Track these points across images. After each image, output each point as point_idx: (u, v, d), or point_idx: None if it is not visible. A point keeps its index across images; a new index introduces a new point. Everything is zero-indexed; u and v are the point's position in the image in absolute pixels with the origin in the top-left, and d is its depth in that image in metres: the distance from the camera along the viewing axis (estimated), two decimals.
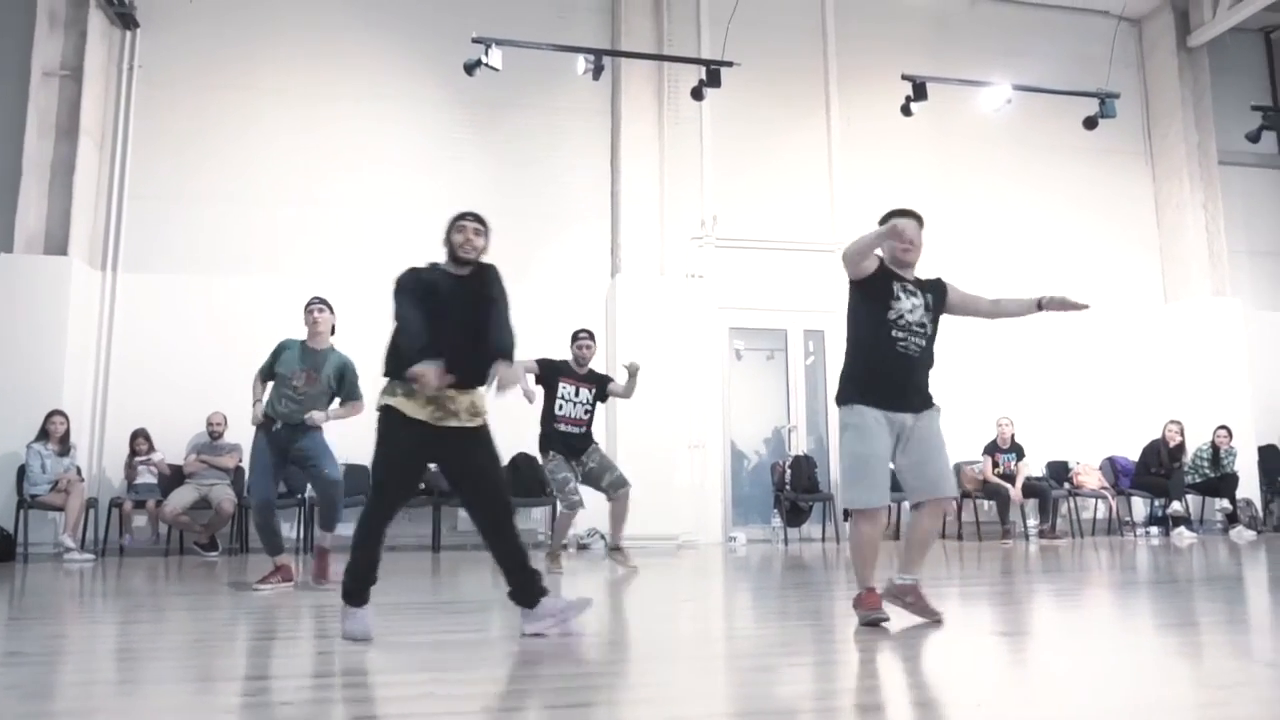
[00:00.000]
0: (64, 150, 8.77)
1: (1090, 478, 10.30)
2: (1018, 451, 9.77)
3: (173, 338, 8.85)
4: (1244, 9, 10.68)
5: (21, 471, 7.95)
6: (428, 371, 3.54)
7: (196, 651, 3.75)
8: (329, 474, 5.69)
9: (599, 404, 6.89)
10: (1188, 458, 10.20)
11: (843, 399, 4.18)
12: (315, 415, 5.60)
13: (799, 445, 10.16)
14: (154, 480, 8.34)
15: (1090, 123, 10.14)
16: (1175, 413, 10.42)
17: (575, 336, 6.91)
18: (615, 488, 6.77)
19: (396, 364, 3.72)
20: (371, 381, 4.17)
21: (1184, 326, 11.13)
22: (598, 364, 7.20)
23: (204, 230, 9.18)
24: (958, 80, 10.25)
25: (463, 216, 3.90)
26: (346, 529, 4.01)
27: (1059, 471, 10.41)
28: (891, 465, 4.11)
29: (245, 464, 7.15)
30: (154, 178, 9.21)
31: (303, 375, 5.62)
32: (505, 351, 3.69)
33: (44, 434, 7.95)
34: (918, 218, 4.25)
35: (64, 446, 8.03)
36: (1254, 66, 12.27)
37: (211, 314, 8.96)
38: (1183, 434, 10.18)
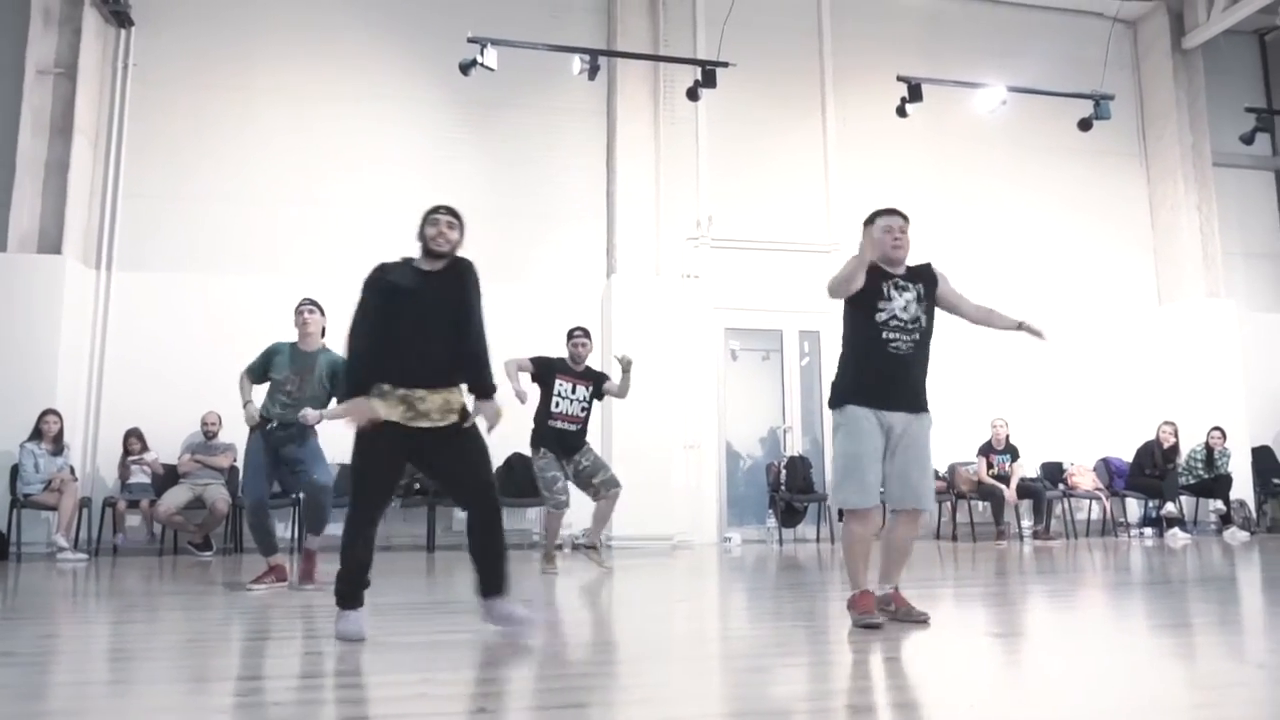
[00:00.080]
0: (58, 149, 8.75)
1: (1084, 479, 10.32)
2: (1012, 452, 9.79)
3: (167, 337, 8.83)
4: (1238, 11, 10.70)
5: (15, 471, 7.91)
6: (353, 410, 3.69)
7: (190, 652, 3.74)
8: (317, 479, 5.67)
9: (596, 402, 6.88)
10: (1182, 459, 10.22)
11: (835, 402, 4.19)
12: (309, 414, 5.58)
13: (794, 446, 10.16)
14: (148, 480, 8.32)
15: (1085, 124, 10.16)
16: (1169, 414, 10.45)
17: (571, 334, 6.90)
18: (607, 487, 6.76)
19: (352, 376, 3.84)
20: None
21: (1178, 328, 11.15)
22: (593, 365, 7.19)
23: (199, 229, 9.16)
24: (953, 82, 10.26)
25: (436, 210, 3.88)
26: (337, 528, 4.01)
27: (1053, 472, 10.43)
28: None
29: (240, 464, 7.13)
30: (148, 176, 9.19)
31: (296, 379, 5.61)
32: (486, 390, 3.79)
33: (37, 433, 7.93)
34: (902, 216, 4.26)
35: (57, 446, 8.01)
36: (1248, 68, 12.31)
37: (206, 313, 8.94)
38: (1177, 435, 10.21)
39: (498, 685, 3.12)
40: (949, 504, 9.93)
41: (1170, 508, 10.00)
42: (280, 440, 5.62)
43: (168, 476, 8.33)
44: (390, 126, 9.70)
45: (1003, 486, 9.60)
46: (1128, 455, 10.49)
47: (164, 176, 9.21)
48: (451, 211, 3.88)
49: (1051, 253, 11.07)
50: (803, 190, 10.52)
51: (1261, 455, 10.99)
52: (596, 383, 6.88)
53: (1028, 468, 10.06)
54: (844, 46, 10.83)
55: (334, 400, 5.78)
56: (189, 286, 9.00)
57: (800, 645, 3.92)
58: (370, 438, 3.71)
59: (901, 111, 9.79)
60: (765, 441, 10.54)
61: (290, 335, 5.78)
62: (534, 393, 6.69)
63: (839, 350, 4.30)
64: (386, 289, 3.80)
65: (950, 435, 8.86)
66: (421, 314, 3.75)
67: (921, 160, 10.71)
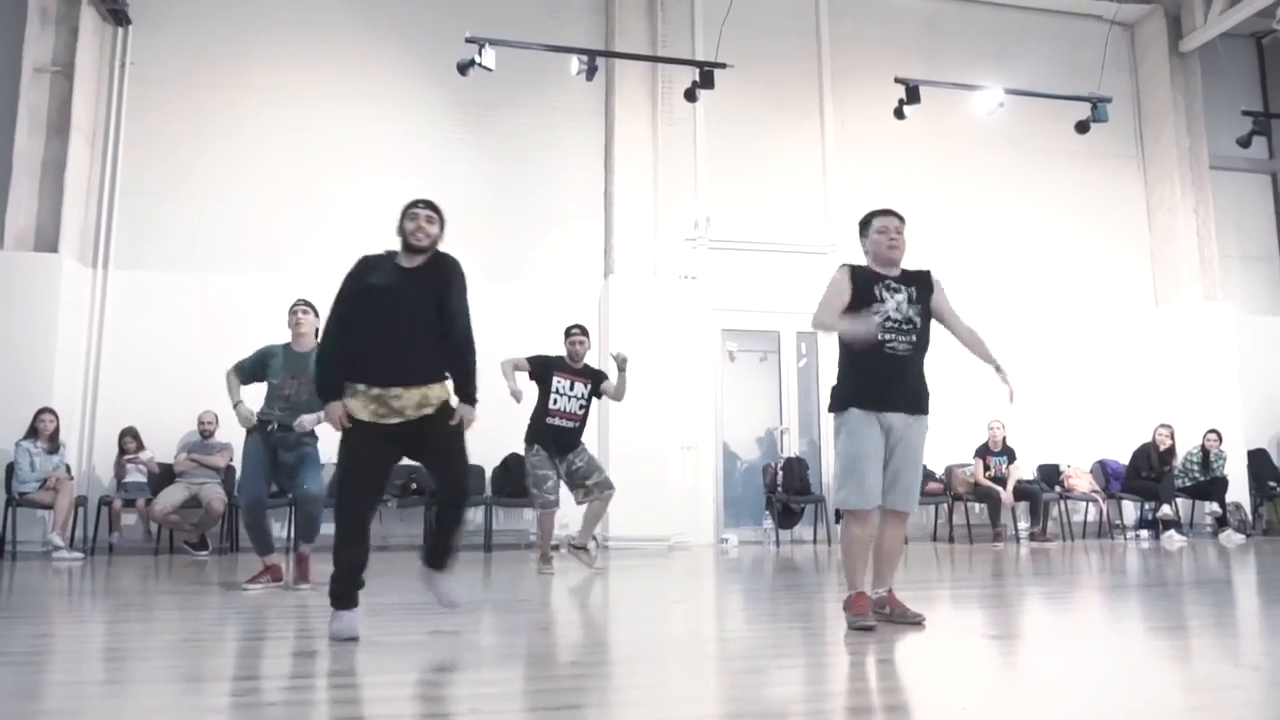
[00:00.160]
0: (55, 147, 8.74)
1: (1081, 481, 10.33)
2: (1009, 454, 9.80)
3: (164, 336, 8.82)
4: (1235, 14, 10.72)
5: (10, 469, 7.90)
6: (328, 415, 3.77)
7: (185, 651, 3.73)
8: (308, 488, 5.67)
9: (593, 400, 6.87)
10: (1178, 461, 10.24)
11: (836, 406, 4.19)
12: (305, 420, 5.57)
13: (791, 447, 10.16)
14: (144, 479, 8.31)
15: (1082, 127, 10.17)
16: (1165, 416, 10.47)
17: (569, 332, 6.89)
18: (601, 488, 6.75)
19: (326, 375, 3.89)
20: None
21: (1174, 330, 11.17)
22: (591, 365, 7.17)
23: (195, 228, 9.15)
24: (951, 84, 10.28)
25: (414, 204, 3.86)
26: (330, 528, 4.02)
27: (1050, 474, 10.44)
28: None
29: (236, 463, 7.12)
30: (145, 175, 9.18)
31: (293, 383, 5.61)
32: (468, 398, 3.86)
33: (33, 432, 7.92)
34: (899, 216, 4.27)
35: (53, 444, 8.00)
36: (1245, 71, 12.33)
37: (203, 312, 8.93)
38: (1173, 438, 10.23)
39: (493, 686, 3.11)
40: (945, 506, 9.94)
41: (1166, 510, 10.03)
42: (280, 442, 5.61)
43: (164, 476, 8.32)
44: (388, 126, 9.69)
45: (999, 488, 9.61)
46: (1124, 457, 10.51)
47: (161, 175, 9.20)
48: (430, 205, 3.86)
49: (1049, 255, 11.09)
50: (800, 192, 10.52)
51: (1257, 458, 11.01)
52: (595, 380, 6.87)
53: (1024, 470, 10.07)
54: (842, 48, 10.84)
55: None
56: (186, 286, 8.99)
57: (797, 647, 3.92)
58: (352, 437, 3.73)
59: (899, 113, 9.79)
60: (762, 442, 10.54)
61: (284, 336, 5.77)
62: (531, 391, 6.68)
63: (836, 352, 4.30)
64: (364, 289, 3.78)
65: (947, 437, 8.87)
66: (400, 311, 3.74)
67: (919, 162, 10.72)
